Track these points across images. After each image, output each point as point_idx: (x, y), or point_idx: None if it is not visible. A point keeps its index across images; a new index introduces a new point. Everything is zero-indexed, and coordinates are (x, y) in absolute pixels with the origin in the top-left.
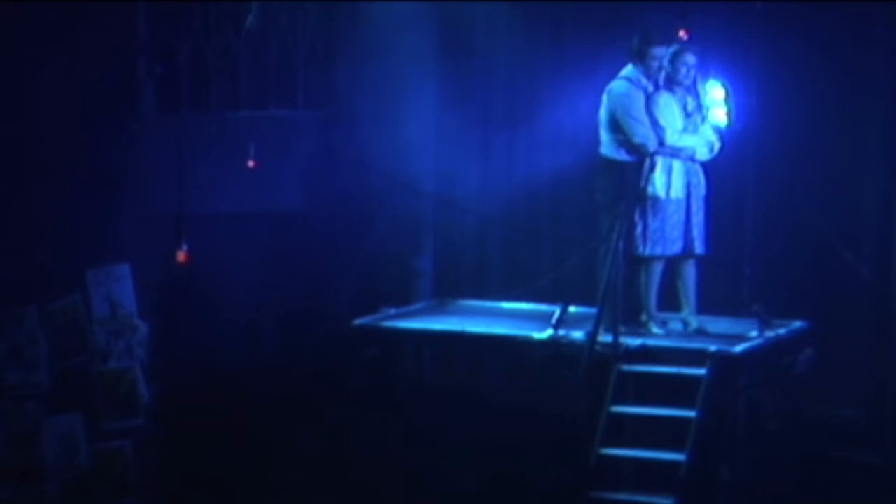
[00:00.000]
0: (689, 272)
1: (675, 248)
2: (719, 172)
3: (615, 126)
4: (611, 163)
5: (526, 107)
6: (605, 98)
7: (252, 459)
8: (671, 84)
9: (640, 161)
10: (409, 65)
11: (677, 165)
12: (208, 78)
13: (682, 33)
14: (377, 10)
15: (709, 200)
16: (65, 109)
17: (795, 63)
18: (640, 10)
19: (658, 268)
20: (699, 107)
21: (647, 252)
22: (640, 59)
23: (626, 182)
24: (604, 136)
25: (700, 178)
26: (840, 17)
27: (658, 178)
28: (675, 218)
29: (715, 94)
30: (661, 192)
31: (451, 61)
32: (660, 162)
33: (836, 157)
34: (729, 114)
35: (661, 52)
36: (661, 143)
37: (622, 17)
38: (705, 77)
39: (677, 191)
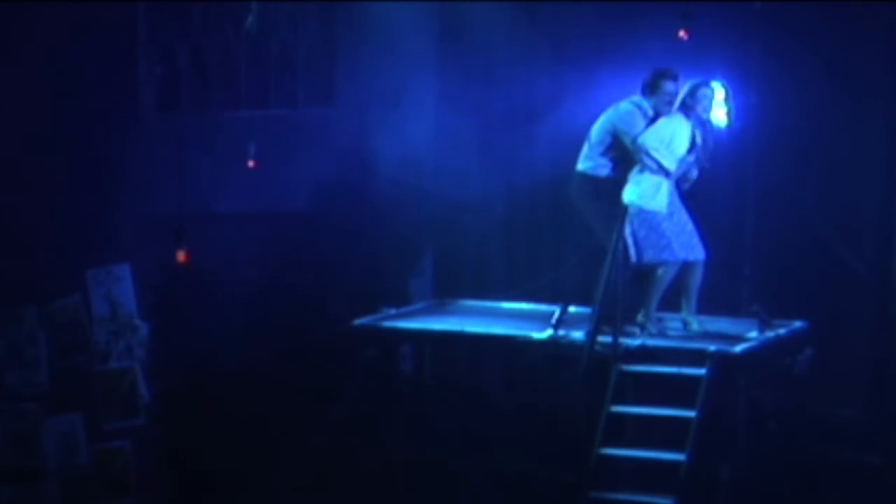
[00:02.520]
0: (695, 275)
1: (668, 253)
2: (719, 172)
3: (612, 142)
4: (601, 181)
5: (526, 107)
6: (609, 112)
7: (252, 459)
8: (687, 111)
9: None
10: (409, 65)
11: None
12: (208, 78)
13: (682, 33)
14: (377, 10)
15: (689, 207)
16: (65, 109)
17: (795, 63)
18: (641, 11)
19: (671, 274)
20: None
21: (644, 260)
22: (652, 92)
23: (619, 196)
24: (595, 156)
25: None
26: (839, 17)
27: (646, 189)
28: (665, 225)
29: (715, 94)
30: (647, 204)
31: (451, 61)
32: (647, 175)
33: (836, 156)
34: (729, 114)
35: (673, 88)
36: (648, 153)
37: (622, 17)
38: (705, 77)
39: (661, 204)
